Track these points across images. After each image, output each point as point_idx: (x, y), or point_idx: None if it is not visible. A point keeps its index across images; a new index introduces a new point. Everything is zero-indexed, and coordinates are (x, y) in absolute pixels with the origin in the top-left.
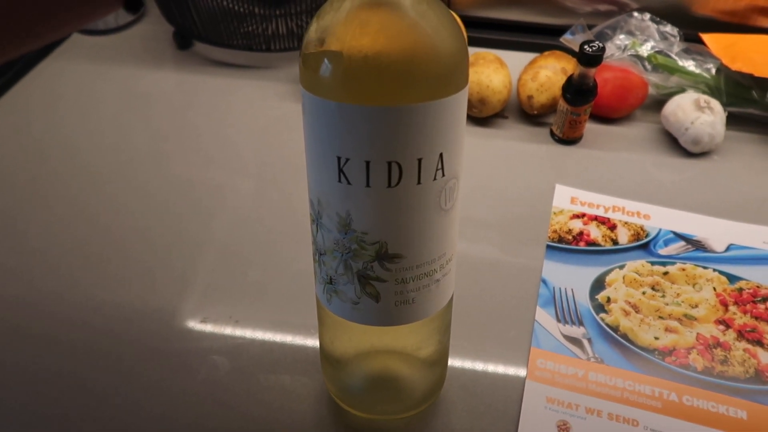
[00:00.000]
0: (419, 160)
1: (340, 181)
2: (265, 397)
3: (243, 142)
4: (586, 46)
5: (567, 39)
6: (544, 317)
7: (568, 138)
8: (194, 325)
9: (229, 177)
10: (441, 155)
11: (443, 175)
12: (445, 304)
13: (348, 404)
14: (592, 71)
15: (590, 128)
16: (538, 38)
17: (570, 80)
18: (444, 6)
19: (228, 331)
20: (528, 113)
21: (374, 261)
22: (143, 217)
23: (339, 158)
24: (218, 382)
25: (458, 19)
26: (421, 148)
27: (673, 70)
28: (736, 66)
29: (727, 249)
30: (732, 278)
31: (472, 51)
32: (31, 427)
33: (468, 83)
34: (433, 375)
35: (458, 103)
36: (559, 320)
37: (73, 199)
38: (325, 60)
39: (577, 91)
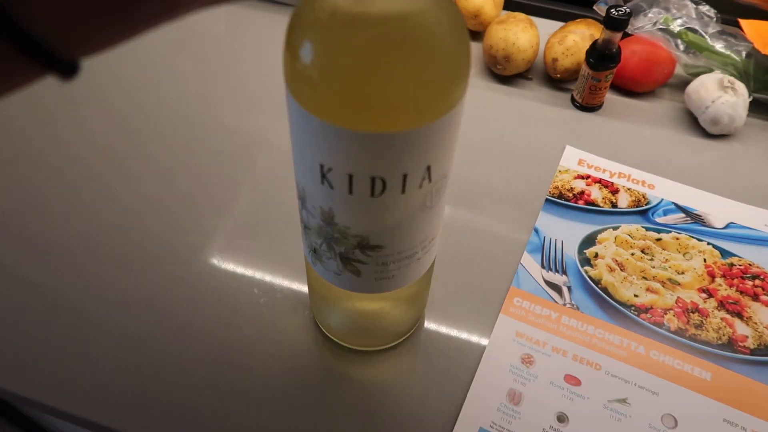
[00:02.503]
0: (404, 175)
1: (322, 183)
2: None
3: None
4: (612, 10)
5: (599, 6)
6: (530, 262)
7: (588, 104)
8: (220, 258)
9: (272, 120)
10: (428, 167)
11: (429, 182)
12: (425, 272)
13: (332, 334)
14: (617, 36)
15: (612, 99)
16: (576, 9)
17: (594, 45)
18: (453, 10)
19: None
20: (551, 77)
21: (356, 249)
22: (190, 153)
23: (322, 165)
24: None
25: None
26: (407, 165)
27: (702, 48)
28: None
29: (727, 226)
30: (725, 253)
31: (505, 13)
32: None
33: (465, 94)
34: (412, 314)
35: (452, 121)
36: (543, 266)
37: (122, 124)
38: (309, 76)
39: (600, 55)
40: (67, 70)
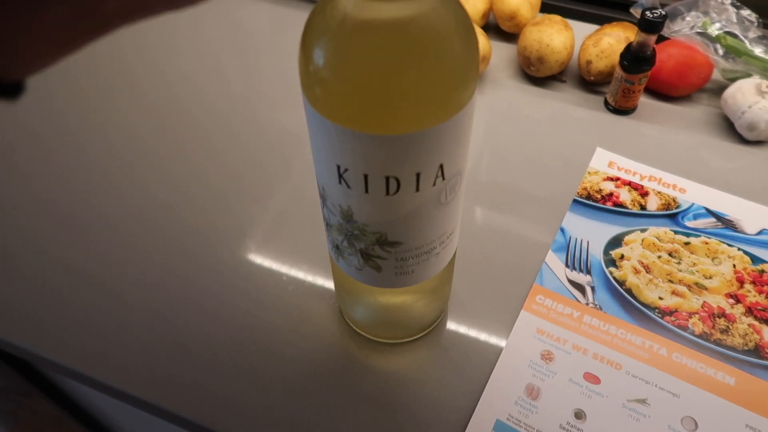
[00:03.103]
0: (417, 174)
1: (340, 183)
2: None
3: None
4: (647, 12)
5: (635, 9)
6: (554, 260)
7: (621, 107)
8: (253, 248)
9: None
10: (441, 166)
11: (443, 179)
12: (445, 266)
13: (357, 327)
14: (652, 39)
15: (646, 102)
16: (613, 12)
17: (629, 47)
18: (460, 12)
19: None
20: (585, 79)
21: (375, 245)
22: (231, 150)
23: (338, 166)
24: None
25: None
26: (420, 164)
27: (741, 53)
28: None
29: (760, 233)
30: (756, 260)
31: (541, 15)
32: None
33: (476, 91)
34: (435, 306)
35: (462, 120)
36: (567, 266)
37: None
38: (322, 82)
39: (635, 58)
40: (8, 92)
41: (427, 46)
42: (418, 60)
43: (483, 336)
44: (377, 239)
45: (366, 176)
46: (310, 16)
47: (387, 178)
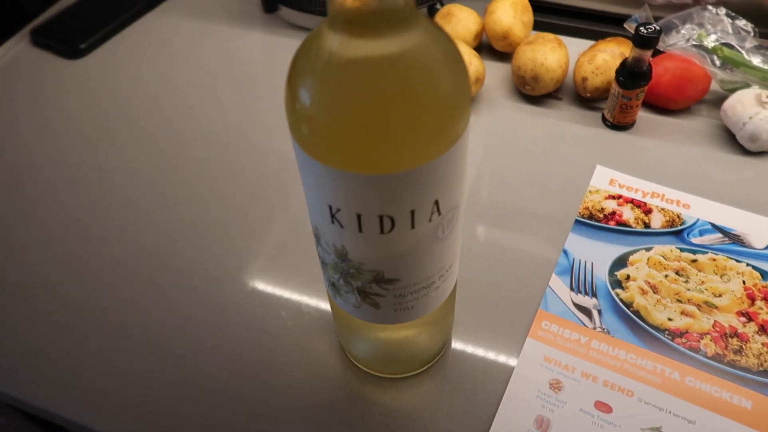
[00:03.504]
0: (412, 211)
1: (333, 223)
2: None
3: None
4: (641, 28)
5: (629, 24)
6: (558, 284)
7: (619, 123)
8: (250, 281)
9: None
10: (436, 201)
11: (439, 215)
12: (445, 299)
13: (358, 362)
14: (647, 54)
15: (644, 117)
16: (607, 27)
17: (624, 63)
18: (448, 45)
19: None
20: (582, 96)
21: (372, 283)
22: (224, 179)
23: (330, 206)
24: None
25: (466, 53)
26: (414, 202)
27: (739, 63)
28: None
29: None
30: (766, 275)
31: (534, 33)
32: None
33: (467, 125)
34: (437, 339)
35: (456, 154)
36: (572, 289)
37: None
38: (309, 122)
39: (631, 74)
40: None
41: (415, 82)
42: (408, 97)
43: (489, 366)
44: (374, 277)
45: (359, 216)
46: (296, 55)
47: (381, 217)
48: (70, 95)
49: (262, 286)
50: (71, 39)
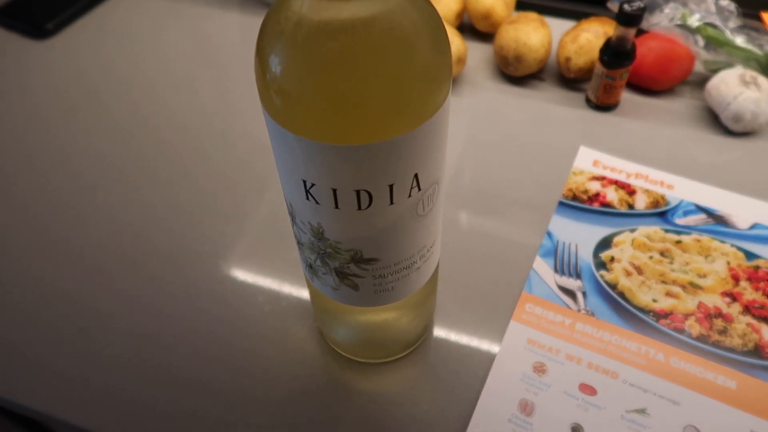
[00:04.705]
0: (390, 186)
1: (308, 199)
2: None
3: None
4: (625, 5)
5: (612, 3)
6: (542, 266)
7: (603, 104)
8: (228, 265)
9: None
10: (416, 175)
11: (419, 190)
12: (426, 281)
13: (338, 347)
14: (631, 33)
15: (628, 98)
16: (590, 7)
17: (608, 42)
18: (427, 9)
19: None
20: (565, 77)
21: (350, 263)
22: (196, 160)
23: (304, 181)
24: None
25: (447, 33)
26: (392, 175)
27: (722, 43)
28: None
29: (752, 227)
30: (750, 255)
31: (516, 13)
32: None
33: (449, 93)
34: (419, 323)
35: (436, 125)
36: (556, 271)
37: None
38: (280, 90)
39: (615, 53)
40: None
41: (392, 47)
42: (384, 62)
43: (472, 350)
44: (352, 257)
45: (335, 191)
46: (264, 19)
47: (358, 192)
48: (36, 76)
49: (237, 270)
50: (37, 19)
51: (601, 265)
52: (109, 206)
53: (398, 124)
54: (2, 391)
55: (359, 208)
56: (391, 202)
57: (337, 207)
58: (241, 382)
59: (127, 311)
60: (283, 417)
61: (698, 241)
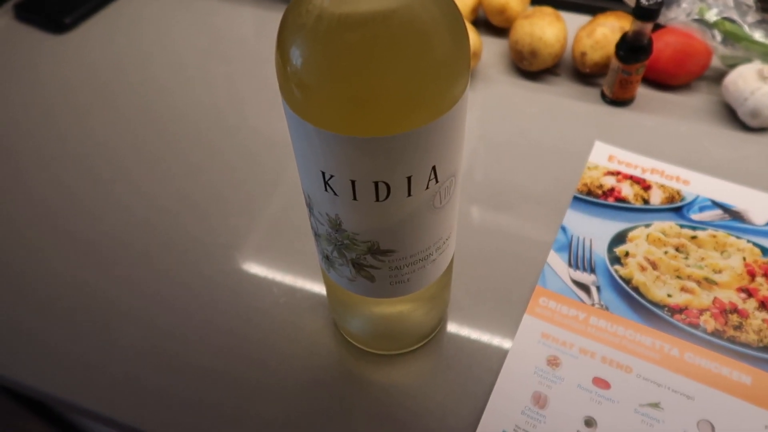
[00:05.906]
0: (408, 178)
1: (326, 190)
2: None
3: None
4: (642, 0)
5: None
6: (556, 261)
7: (618, 99)
8: (243, 257)
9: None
10: (434, 168)
11: (437, 182)
12: (442, 273)
13: (352, 339)
14: (648, 27)
15: (644, 93)
16: (606, 2)
17: (624, 37)
18: (447, 2)
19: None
20: (580, 71)
21: (367, 254)
22: (206, 158)
23: (323, 173)
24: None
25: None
26: (410, 167)
27: (740, 38)
28: None
29: None
30: (766, 251)
31: (532, 7)
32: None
33: (468, 86)
34: (433, 315)
35: (455, 118)
36: (570, 265)
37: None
38: (300, 82)
39: (631, 48)
40: None
41: (412, 39)
42: (403, 54)
43: (485, 343)
44: (369, 248)
45: (353, 182)
46: (286, 12)
47: (376, 184)
48: (53, 70)
49: (252, 263)
50: (56, 13)
51: (616, 259)
52: (125, 200)
53: (417, 117)
54: (22, 377)
55: (377, 199)
56: (409, 194)
57: (355, 198)
58: (255, 373)
59: (143, 303)
60: (297, 407)
61: (714, 236)
